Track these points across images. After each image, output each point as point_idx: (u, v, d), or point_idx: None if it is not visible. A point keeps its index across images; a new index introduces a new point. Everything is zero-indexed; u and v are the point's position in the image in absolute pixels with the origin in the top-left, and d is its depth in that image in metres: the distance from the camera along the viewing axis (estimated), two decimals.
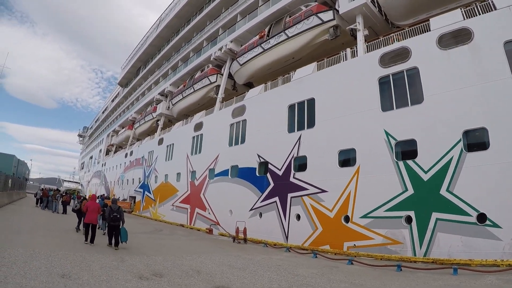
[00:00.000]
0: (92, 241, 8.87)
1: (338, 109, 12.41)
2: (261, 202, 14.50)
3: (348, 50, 13.26)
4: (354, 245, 10.59)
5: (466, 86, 9.24)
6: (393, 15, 14.29)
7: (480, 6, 9.83)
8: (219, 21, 23.79)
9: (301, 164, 13.26)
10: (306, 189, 12.71)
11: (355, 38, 13.41)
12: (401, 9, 13.72)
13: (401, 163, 10.06)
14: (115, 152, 44.23)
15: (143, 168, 29.69)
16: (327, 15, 14.66)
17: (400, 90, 10.80)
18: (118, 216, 8.61)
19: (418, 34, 11.00)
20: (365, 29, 13.33)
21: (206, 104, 23.88)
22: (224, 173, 17.28)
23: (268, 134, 15.16)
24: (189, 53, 27.56)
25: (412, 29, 11.43)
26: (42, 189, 25.11)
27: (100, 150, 50.88)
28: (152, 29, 38.48)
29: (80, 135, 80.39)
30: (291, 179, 13.36)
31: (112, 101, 54.61)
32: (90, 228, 8.94)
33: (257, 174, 15.06)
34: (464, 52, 9.51)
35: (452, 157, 9.01)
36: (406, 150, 10.12)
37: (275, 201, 13.78)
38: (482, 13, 9.65)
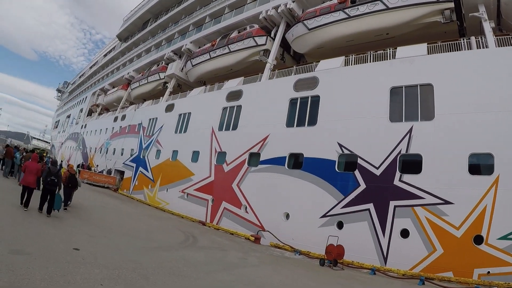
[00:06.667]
0: (26, 205, 8.18)
1: (467, 102, 9.71)
2: (342, 207, 10.93)
3: (473, 38, 10.96)
4: (488, 272, 8.27)
5: None
6: None
7: None
8: None
9: (411, 165, 9.95)
10: (421, 197, 9.47)
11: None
12: None
13: None
14: (99, 113, 37.91)
15: (139, 137, 24.64)
16: None
17: None
18: (56, 180, 8.14)
19: None
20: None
21: (241, 70, 19.71)
22: (277, 161, 13.37)
23: (356, 118, 11.60)
24: (223, 9, 22.90)
25: None
26: (8, 145, 18.70)
27: (81, 110, 43.66)
28: None
29: (59, 90, 70.06)
30: (396, 182, 9.97)
31: (105, 55, 46.91)
32: (26, 192, 8.22)
33: (337, 170, 11.44)
34: None
35: None
36: None
37: (368, 209, 10.31)
38: None
